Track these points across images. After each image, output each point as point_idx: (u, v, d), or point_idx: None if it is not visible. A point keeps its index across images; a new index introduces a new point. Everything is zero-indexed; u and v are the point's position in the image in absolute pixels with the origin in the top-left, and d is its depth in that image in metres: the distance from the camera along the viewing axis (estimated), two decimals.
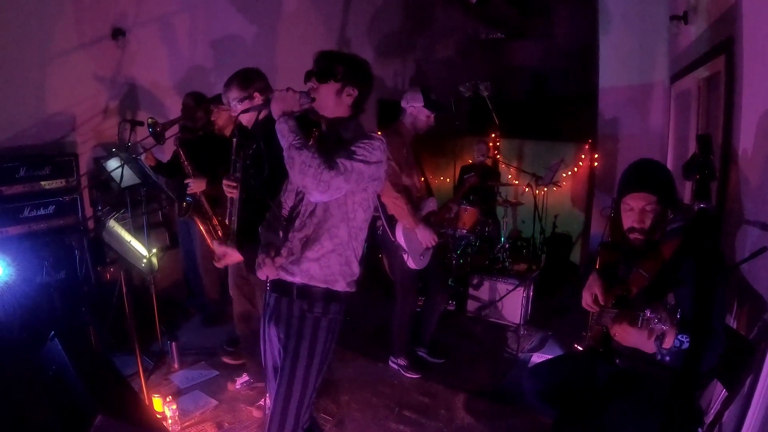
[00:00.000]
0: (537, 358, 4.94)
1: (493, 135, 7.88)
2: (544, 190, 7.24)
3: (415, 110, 4.31)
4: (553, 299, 6.26)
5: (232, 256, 3.28)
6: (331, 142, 2.59)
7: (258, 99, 3.35)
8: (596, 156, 6.77)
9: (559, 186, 7.33)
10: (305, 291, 2.61)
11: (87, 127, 5.33)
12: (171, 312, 5.53)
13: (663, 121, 5.82)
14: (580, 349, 3.16)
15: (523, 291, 5.55)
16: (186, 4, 6.04)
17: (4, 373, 3.18)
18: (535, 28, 9.59)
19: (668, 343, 2.33)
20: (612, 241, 3.01)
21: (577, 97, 7.77)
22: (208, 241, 4.56)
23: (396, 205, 4.17)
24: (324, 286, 2.60)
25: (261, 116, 2.87)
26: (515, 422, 3.99)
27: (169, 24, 5.90)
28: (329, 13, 7.75)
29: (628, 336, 2.48)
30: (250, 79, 3.46)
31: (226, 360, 4.65)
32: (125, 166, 4.34)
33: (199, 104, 4.79)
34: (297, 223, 2.62)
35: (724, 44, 3.66)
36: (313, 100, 2.54)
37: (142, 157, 4.68)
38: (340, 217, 2.57)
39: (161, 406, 3.71)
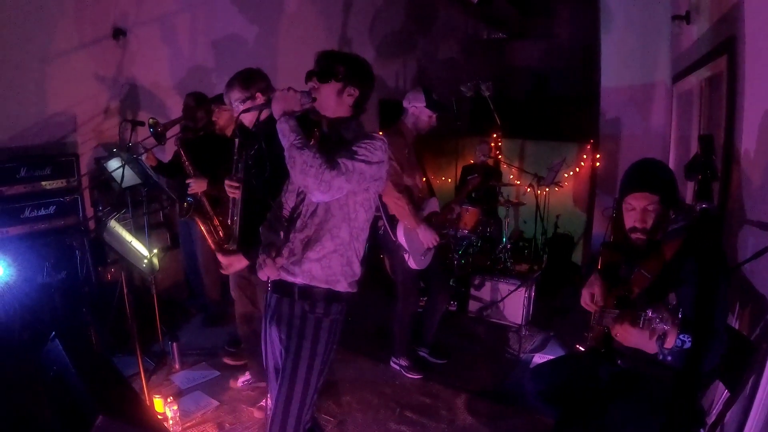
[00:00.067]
0: (539, 358, 4.93)
1: (495, 135, 7.87)
2: (545, 191, 7.23)
3: (417, 110, 4.31)
4: (554, 300, 6.25)
5: (239, 263, 3.26)
6: (332, 142, 2.59)
7: (260, 99, 3.34)
8: (598, 156, 6.77)
9: (561, 186, 7.32)
10: (307, 291, 2.61)
11: (88, 127, 5.33)
12: (172, 312, 5.53)
13: (665, 121, 5.82)
14: (582, 349, 3.15)
15: (525, 291, 5.55)
16: (187, 4, 6.03)
17: (4, 374, 3.19)
18: (537, 28, 9.60)
19: (670, 342, 2.32)
20: (614, 242, 3.02)
21: (579, 97, 7.78)
22: (209, 241, 4.56)
23: (397, 205, 4.16)
24: (325, 286, 2.60)
25: (262, 116, 2.88)
26: (517, 423, 3.98)
27: (170, 24, 5.89)
28: (330, 13, 7.74)
29: (629, 336, 2.47)
30: (251, 80, 3.45)
31: (227, 361, 4.65)
32: (126, 166, 4.33)
33: (200, 104, 4.78)
34: (298, 223, 2.62)
35: (726, 44, 3.65)
36: (314, 99, 2.54)
37: (143, 157, 4.67)
38: (341, 217, 2.56)
39: (162, 406, 3.70)
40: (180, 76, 6.02)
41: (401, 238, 4.29)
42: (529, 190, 7.01)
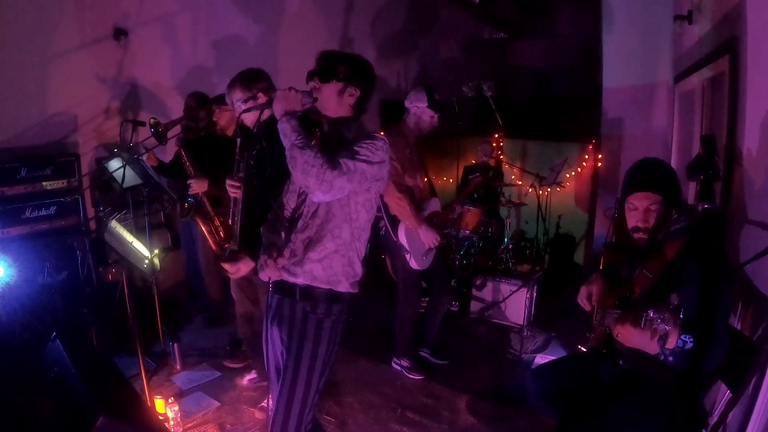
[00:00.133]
0: (540, 359, 4.93)
1: (497, 135, 7.85)
2: (547, 191, 7.22)
3: (419, 110, 4.30)
4: (556, 300, 6.23)
5: (246, 267, 3.22)
6: (333, 142, 2.59)
7: (261, 99, 3.34)
8: (600, 156, 6.74)
9: (563, 186, 7.31)
10: (308, 292, 2.61)
11: (89, 128, 5.33)
12: (173, 313, 5.53)
13: (667, 121, 5.80)
14: (584, 350, 3.14)
15: (527, 292, 5.54)
16: (188, 4, 6.03)
17: (5, 374, 3.18)
18: (539, 28, 9.57)
19: (671, 343, 2.31)
20: (616, 242, 3.01)
21: (581, 97, 7.75)
22: (210, 242, 4.56)
23: (399, 205, 4.16)
24: (327, 287, 2.60)
25: (264, 116, 2.87)
26: (519, 424, 3.98)
27: (171, 24, 5.89)
28: (331, 13, 7.73)
29: (630, 337, 2.47)
30: (253, 80, 3.45)
31: (228, 364, 4.64)
32: (127, 166, 4.33)
33: (201, 104, 4.78)
34: (299, 224, 2.62)
35: (728, 44, 3.64)
36: (316, 99, 2.54)
37: (144, 157, 4.67)
38: (342, 217, 2.56)
39: (163, 407, 3.69)
40: (181, 76, 6.02)
41: (402, 239, 4.28)
42: (530, 190, 7.00)
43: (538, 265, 6.45)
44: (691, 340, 2.28)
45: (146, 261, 3.97)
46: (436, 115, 4.32)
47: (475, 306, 5.91)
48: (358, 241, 2.64)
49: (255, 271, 2.86)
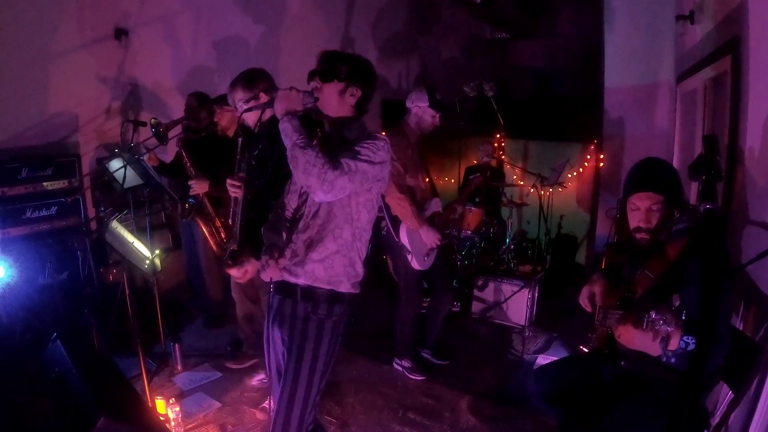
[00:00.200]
0: (542, 359, 4.91)
1: (498, 135, 7.84)
2: (549, 191, 7.21)
3: (420, 110, 4.29)
4: (558, 301, 6.22)
5: (252, 268, 3.17)
6: (334, 142, 2.58)
7: (263, 99, 3.33)
8: (602, 156, 6.74)
9: (565, 187, 7.30)
10: (309, 293, 2.60)
11: (89, 128, 5.33)
12: (174, 313, 5.53)
13: (669, 121, 5.80)
14: (585, 350, 3.14)
15: (528, 292, 5.53)
16: (189, 4, 6.03)
17: (6, 375, 3.18)
18: (540, 27, 9.55)
19: (673, 344, 2.31)
20: (618, 242, 3.00)
21: (583, 97, 7.73)
22: (211, 243, 4.56)
23: (400, 206, 4.15)
24: (328, 287, 2.59)
25: (265, 116, 2.86)
26: (520, 424, 3.97)
27: (172, 24, 5.89)
28: (333, 13, 7.74)
29: (632, 338, 2.46)
30: (255, 80, 3.45)
31: (230, 365, 4.63)
32: (128, 166, 4.32)
33: (202, 105, 4.78)
34: (301, 224, 2.62)
35: (730, 44, 3.64)
36: (317, 99, 2.54)
37: (145, 157, 4.67)
38: (343, 218, 2.56)
39: (164, 408, 3.69)
40: (182, 76, 6.02)
41: (404, 239, 4.28)
42: (532, 190, 6.99)
43: (540, 266, 6.44)
44: (694, 341, 2.27)
45: (147, 261, 3.97)
46: (437, 115, 4.31)
47: (476, 306, 5.90)
48: (359, 241, 2.64)
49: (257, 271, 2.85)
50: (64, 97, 5.07)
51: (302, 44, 6.91)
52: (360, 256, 2.66)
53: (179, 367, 4.57)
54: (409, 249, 4.29)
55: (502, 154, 7.83)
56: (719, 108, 4.22)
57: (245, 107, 3.31)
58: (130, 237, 4.02)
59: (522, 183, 7.63)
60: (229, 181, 3.23)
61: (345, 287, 2.62)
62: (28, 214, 4.61)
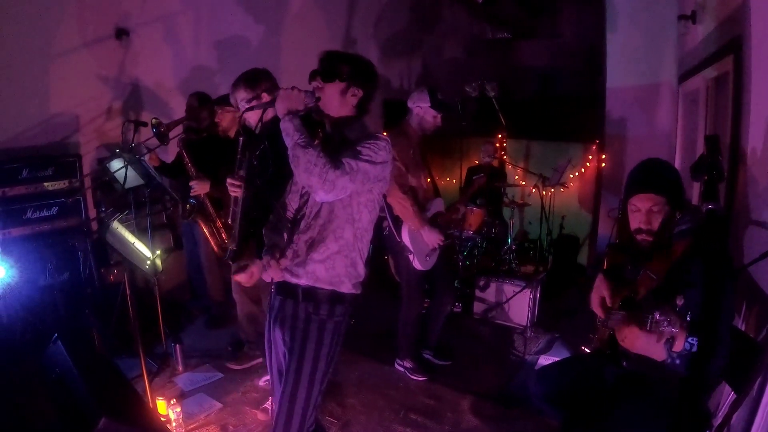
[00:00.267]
0: (544, 360, 4.91)
1: (500, 135, 7.85)
2: (551, 191, 7.20)
3: (422, 110, 4.29)
4: (560, 301, 6.22)
5: (257, 269, 3.13)
6: (335, 142, 2.58)
7: (265, 99, 3.33)
8: (603, 157, 6.73)
9: (566, 187, 7.30)
10: (310, 293, 2.60)
11: (90, 128, 5.33)
12: (175, 314, 5.53)
13: (671, 121, 5.79)
14: (587, 351, 3.13)
15: (530, 293, 5.53)
16: (190, 4, 6.03)
17: (6, 375, 3.17)
18: (542, 28, 9.55)
19: (679, 346, 2.30)
20: (620, 243, 2.98)
21: (584, 97, 7.72)
22: (212, 244, 4.55)
23: (402, 206, 4.15)
24: (329, 288, 2.59)
25: (266, 116, 2.86)
26: (522, 425, 3.96)
27: (173, 24, 5.89)
28: (334, 13, 7.73)
29: (636, 341, 2.45)
30: (257, 80, 3.45)
31: (230, 365, 4.63)
32: (129, 167, 4.32)
33: (203, 105, 4.78)
34: (302, 224, 2.61)
35: (732, 44, 3.63)
36: (318, 99, 2.54)
37: (146, 157, 4.66)
38: (345, 218, 2.55)
39: (165, 408, 3.69)
40: (183, 76, 6.02)
41: (406, 239, 4.27)
42: (534, 190, 6.99)
43: (542, 266, 6.44)
44: (697, 342, 2.27)
45: (148, 262, 3.97)
46: (439, 115, 4.30)
47: (478, 307, 5.90)
48: (360, 241, 2.63)
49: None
50: (64, 97, 5.07)
51: (303, 44, 6.90)
52: (361, 256, 2.66)
53: (180, 368, 4.57)
54: (411, 249, 4.28)
55: (504, 155, 7.83)
56: (721, 108, 4.21)
57: (247, 107, 3.31)
58: (131, 237, 4.02)
59: (524, 183, 7.64)
60: (229, 180, 3.22)
61: (346, 288, 2.61)
62: (29, 214, 4.61)
